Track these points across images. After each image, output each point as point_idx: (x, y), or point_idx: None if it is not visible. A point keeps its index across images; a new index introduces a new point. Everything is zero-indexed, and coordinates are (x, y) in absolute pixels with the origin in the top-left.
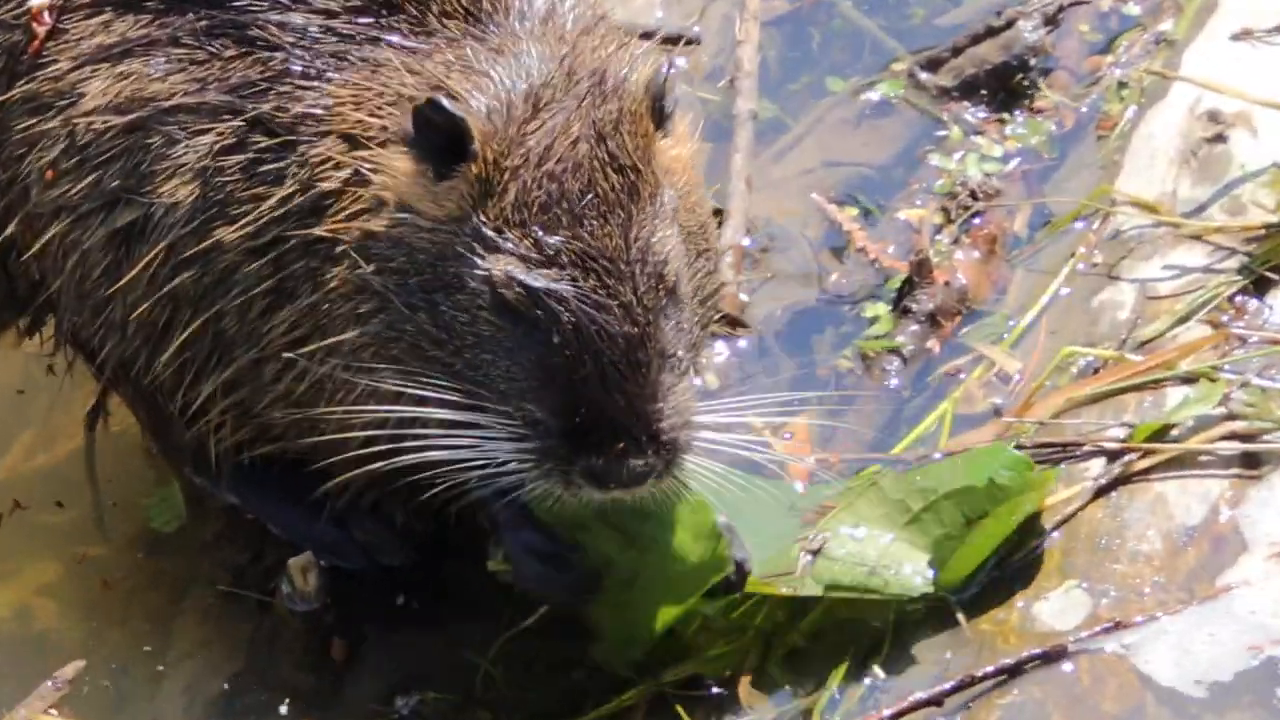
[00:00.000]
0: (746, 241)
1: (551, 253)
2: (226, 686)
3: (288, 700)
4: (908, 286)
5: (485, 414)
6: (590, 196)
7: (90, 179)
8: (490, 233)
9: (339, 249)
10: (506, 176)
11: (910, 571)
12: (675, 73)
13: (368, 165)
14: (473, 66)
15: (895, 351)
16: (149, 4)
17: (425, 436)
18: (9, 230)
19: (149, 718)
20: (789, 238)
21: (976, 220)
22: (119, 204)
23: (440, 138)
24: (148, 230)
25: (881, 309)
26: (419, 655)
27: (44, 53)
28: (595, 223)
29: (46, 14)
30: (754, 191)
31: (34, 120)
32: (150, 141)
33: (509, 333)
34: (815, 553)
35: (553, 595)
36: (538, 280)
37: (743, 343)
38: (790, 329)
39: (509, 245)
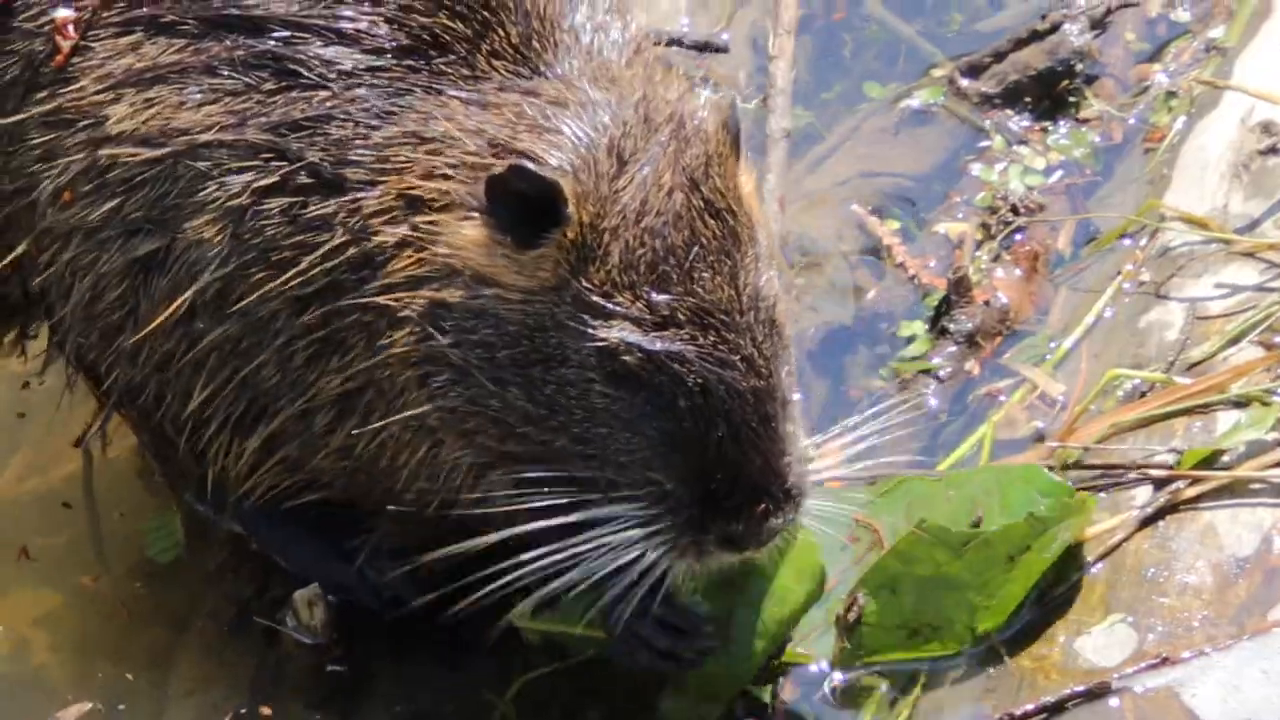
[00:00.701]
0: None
1: (667, 313)
2: None
3: None
4: (946, 305)
5: (606, 505)
6: (696, 248)
7: (111, 205)
8: (598, 299)
9: (401, 313)
10: (607, 238)
11: (954, 628)
12: (738, 106)
13: (429, 231)
14: (540, 124)
15: (932, 373)
16: (183, 27)
17: (536, 534)
18: (9, 241)
19: None
20: (823, 252)
21: (1018, 236)
22: (140, 233)
23: (523, 205)
24: (169, 263)
25: (919, 328)
26: (431, 692)
27: (68, 68)
28: (705, 275)
29: (71, 27)
30: (787, 205)
31: (52, 136)
32: (179, 174)
33: (627, 403)
34: (854, 623)
35: (673, 664)
36: (656, 343)
37: None
38: (823, 347)
39: (620, 310)
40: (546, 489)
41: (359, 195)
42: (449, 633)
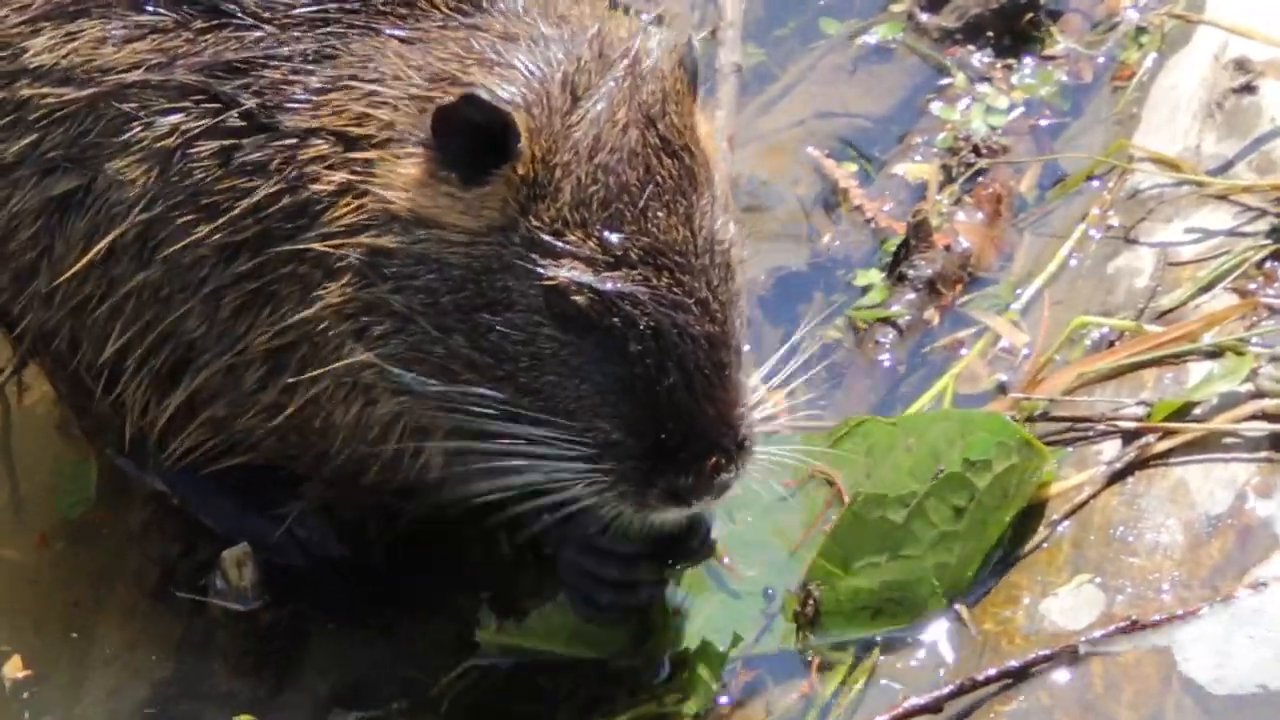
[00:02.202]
0: None
1: (620, 252)
2: (154, 694)
3: (221, 710)
4: (905, 251)
5: (548, 429)
6: (651, 187)
7: (27, 141)
8: (548, 238)
9: (339, 263)
10: (559, 174)
11: (918, 594)
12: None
13: (367, 172)
14: (490, 58)
15: (890, 322)
16: None
17: (473, 459)
18: None
19: None
20: (776, 195)
21: (981, 178)
22: (57, 171)
23: (471, 139)
24: (87, 203)
25: (876, 275)
26: (369, 660)
27: None
28: (660, 214)
29: None
30: (739, 146)
31: None
32: (102, 112)
33: (575, 348)
34: (813, 614)
35: (634, 605)
36: (608, 284)
37: None
38: (775, 295)
39: (571, 248)
40: (492, 444)
41: (295, 141)
42: (388, 594)
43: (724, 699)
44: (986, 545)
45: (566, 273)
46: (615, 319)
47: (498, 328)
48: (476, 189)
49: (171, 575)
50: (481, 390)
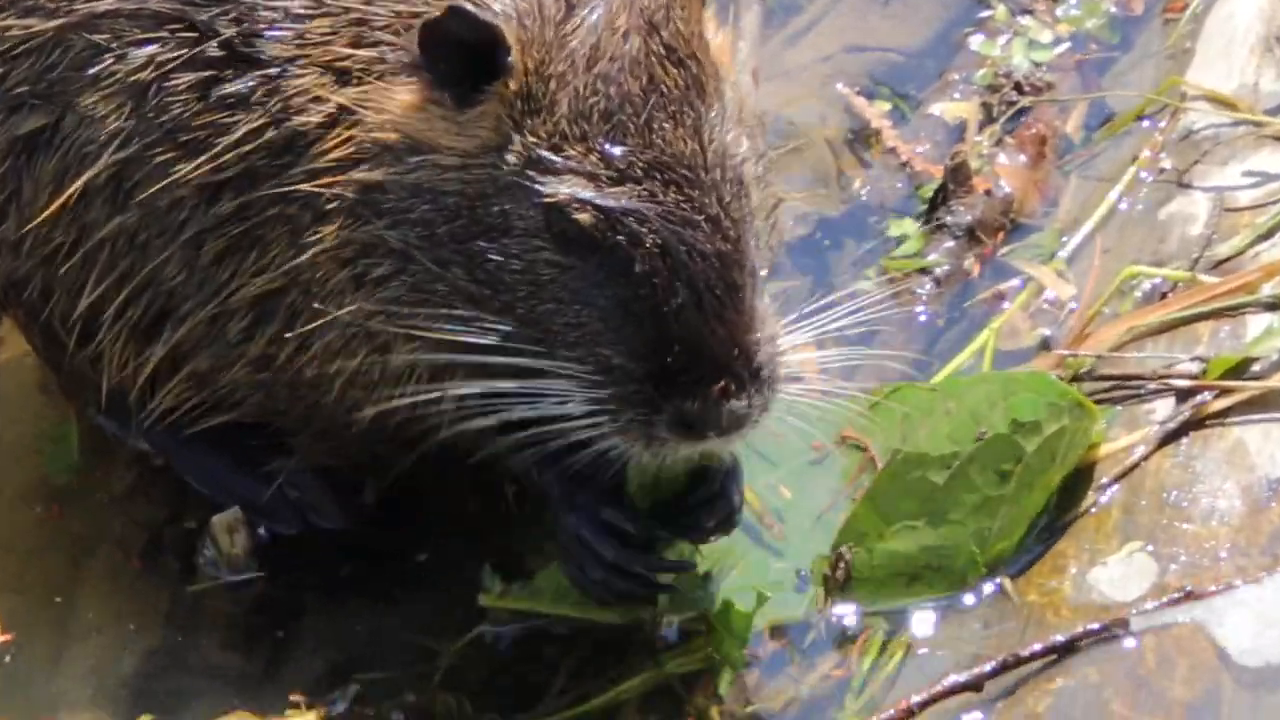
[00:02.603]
0: None
1: (623, 166)
2: (138, 667)
3: (211, 684)
4: (942, 196)
5: (548, 361)
6: (655, 97)
7: None
8: (545, 153)
9: (329, 204)
10: (554, 85)
11: (958, 563)
12: None
13: (358, 102)
14: None
15: (926, 273)
16: None
17: (475, 401)
18: None
19: (47, 702)
20: (804, 136)
21: (1023, 118)
22: (23, 109)
23: (460, 56)
24: (57, 142)
25: (910, 223)
26: (368, 634)
27: None
28: (666, 126)
29: None
30: (763, 82)
31: None
32: (70, 44)
33: (577, 271)
34: (844, 578)
35: (622, 591)
36: (611, 200)
37: None
38: (803, 244)
39: (571, 164)
40: (489, 379)
41: (278, 72)
42: (388, 561)
43: (751, 670)
44: (1032, 511)
45: (567, 189)
46: (619, 237)
47: (494, 255)
48: (470, 109)
49: (158, 542)
50: (482, 320)
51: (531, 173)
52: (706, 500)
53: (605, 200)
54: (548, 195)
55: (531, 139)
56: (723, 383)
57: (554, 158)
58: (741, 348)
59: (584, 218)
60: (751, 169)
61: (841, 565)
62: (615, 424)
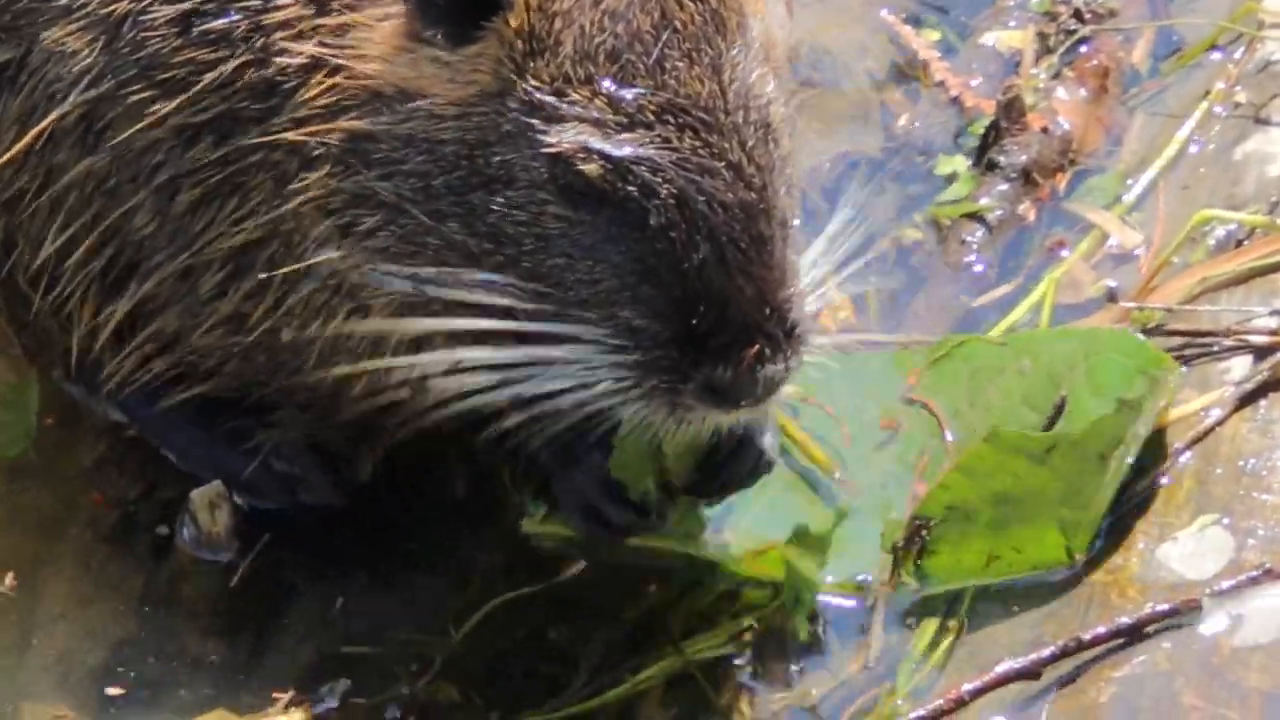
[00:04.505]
0: (788, 73)
1: (633, 110)
2: (110, 657)
3: (191, 676)
4: (995, 134)
5: (560, 324)
6: (669, 33)
7: None
8: (549, 98)
9: (317, 151)
10: (558, 23)
11: (1042, 547)
12: None
13: (339, 42)
14: None
15: (978, 218)
16: None
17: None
18: None
19: (10, 695)
20: (843, 68)
21: (1084, 48)
22: None
23: None
24: (22, 79)
25: (961, 163)
26: (363, 620)
27: None
28: (681, 65)
29: None
30: (798, 9)
31: None
32: None
33: (587, 225)
34: (920, 546)
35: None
36: (622, 148)
37: None
38: (842, 186)
39: (576, 110)
40: (493, 346)
41: (260, 4)
42: (383, 540)
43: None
44: (1113, 488)
45: (572, 137)
46: (631, 189)
47: (495, 208)
48: (465, 49)
49: (131, 519)
50: (482, 276)
51: (534, 120)
52: (738, 445)
53: (614, 149)
54: (550, 145)
55: (534, 83)
56: (756, 346)
57: (558, 103)
58: (774, 305)
59: (591, 168)
60: (779, 111)
61: (918, 538)
62: (637, 392)
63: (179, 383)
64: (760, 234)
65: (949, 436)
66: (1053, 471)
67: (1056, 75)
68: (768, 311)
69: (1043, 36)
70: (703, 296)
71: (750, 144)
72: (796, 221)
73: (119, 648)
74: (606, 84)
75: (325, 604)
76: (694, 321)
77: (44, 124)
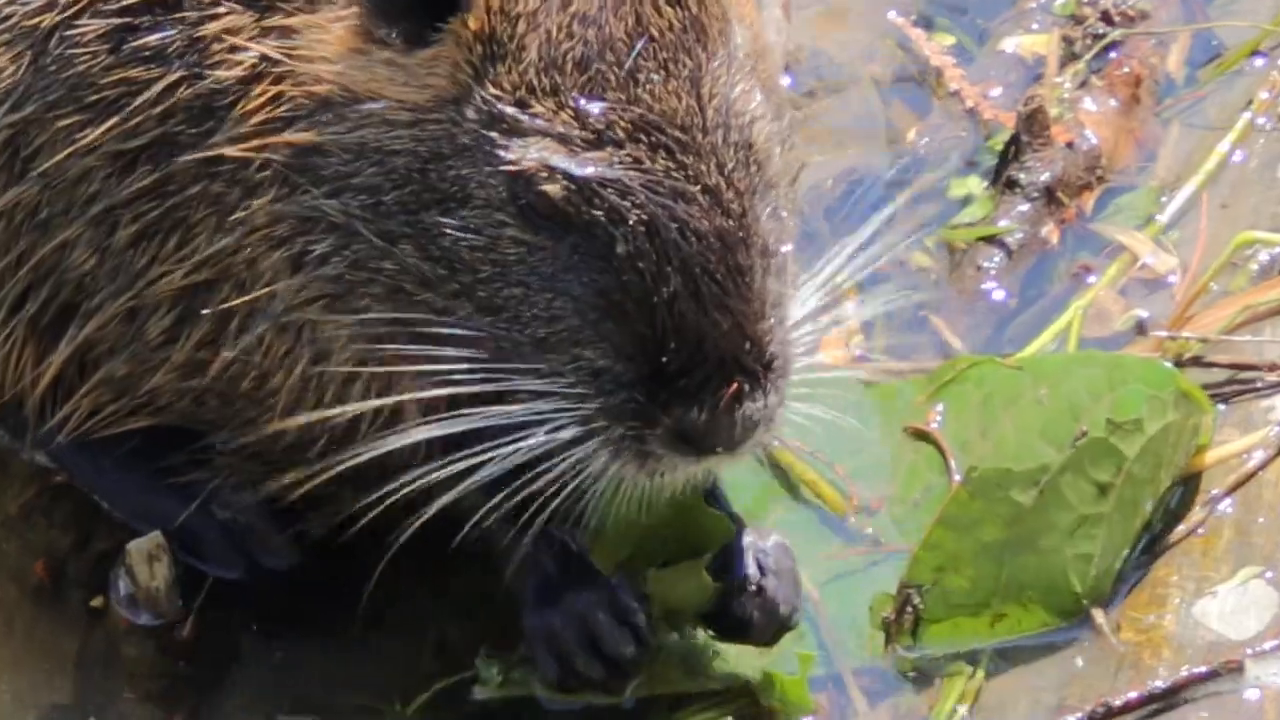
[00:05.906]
0: (786, 81)
1: (601, 126)
2: None
3: None
4: (1015, 149)
5: (517, 361)
6: (643, 42)
7: None
8: (509, 109)
9: (260, 174)
10: (522, 27)
11: (1047, 595)
12: None
13: (285, 46)
14: None
15: (996, 242)
16: None
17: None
18: None
19: None
20: (847, 76)
21: (1113, 54)
22: None
23: None
24: None
25: (977, 182)
26: (315, 682)
27: None
28: (656, 78)
29: None
30: (797, 11)
31: None
32: None
33: (547, 252)
34: (912, 625)
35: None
36: (587, 167)
37: None
38: (846, 204)
39: (540, 123)
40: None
41: (197, 16)
42: (338, 600)
43: None
44: (1135, 531)
45: (534, 154)
46: (597, 213)
47: (449, 230)
48: (421, 52)
49: (61, 573)
50: (433, 303)
51: (493, 133)
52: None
53: (579, 168)
54: (510, 161)
55: (493, 91)
56: (734, 385)
57: (519, 115)
58: (752, 339)
59: (553, 189)
60: (765, 129)
61: (909, 610)
62: (600, 443)
63: (118, 422)
64: (738, 264)
65: (956, 475)
66: (1049, 509)
67: (1083, 84)
68: (746, 346)
69: (1068, 41)
70: (674, 333)
71: (729, 166)
72: (788, 247)
73: (51, 714)
74: (574, 96)
75: (273, 667)
76: (664, 360)
77: None
